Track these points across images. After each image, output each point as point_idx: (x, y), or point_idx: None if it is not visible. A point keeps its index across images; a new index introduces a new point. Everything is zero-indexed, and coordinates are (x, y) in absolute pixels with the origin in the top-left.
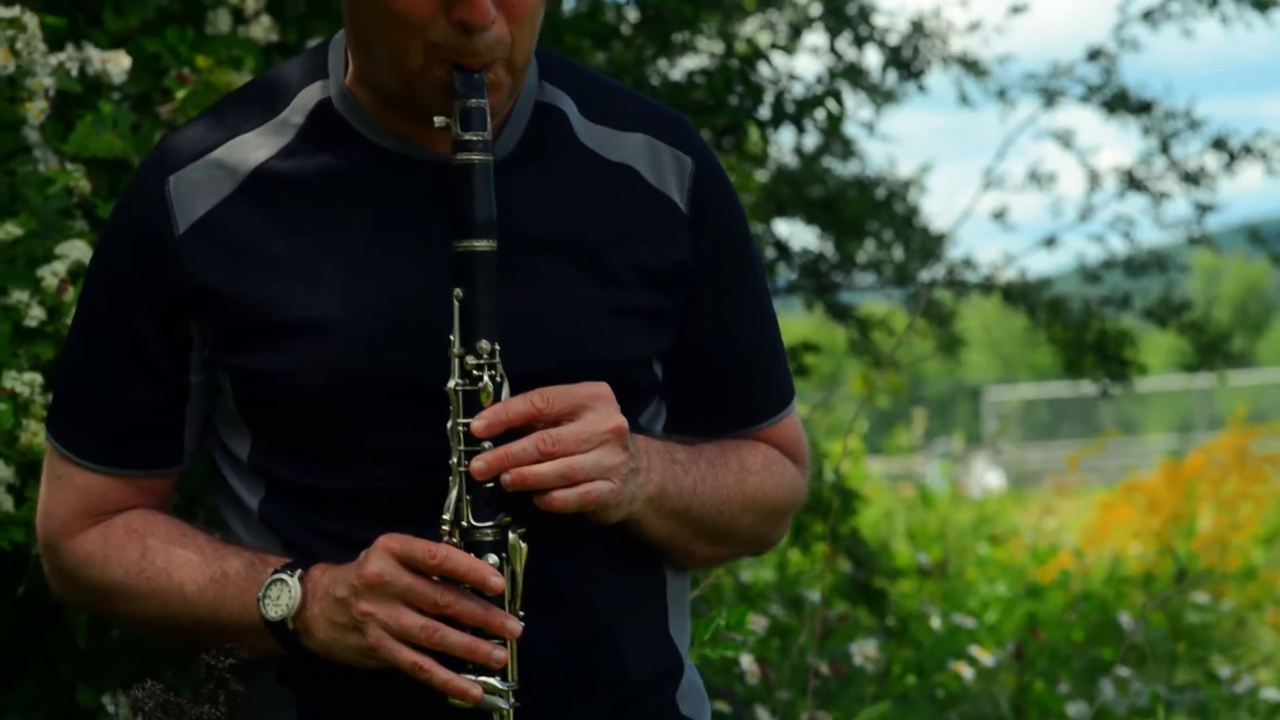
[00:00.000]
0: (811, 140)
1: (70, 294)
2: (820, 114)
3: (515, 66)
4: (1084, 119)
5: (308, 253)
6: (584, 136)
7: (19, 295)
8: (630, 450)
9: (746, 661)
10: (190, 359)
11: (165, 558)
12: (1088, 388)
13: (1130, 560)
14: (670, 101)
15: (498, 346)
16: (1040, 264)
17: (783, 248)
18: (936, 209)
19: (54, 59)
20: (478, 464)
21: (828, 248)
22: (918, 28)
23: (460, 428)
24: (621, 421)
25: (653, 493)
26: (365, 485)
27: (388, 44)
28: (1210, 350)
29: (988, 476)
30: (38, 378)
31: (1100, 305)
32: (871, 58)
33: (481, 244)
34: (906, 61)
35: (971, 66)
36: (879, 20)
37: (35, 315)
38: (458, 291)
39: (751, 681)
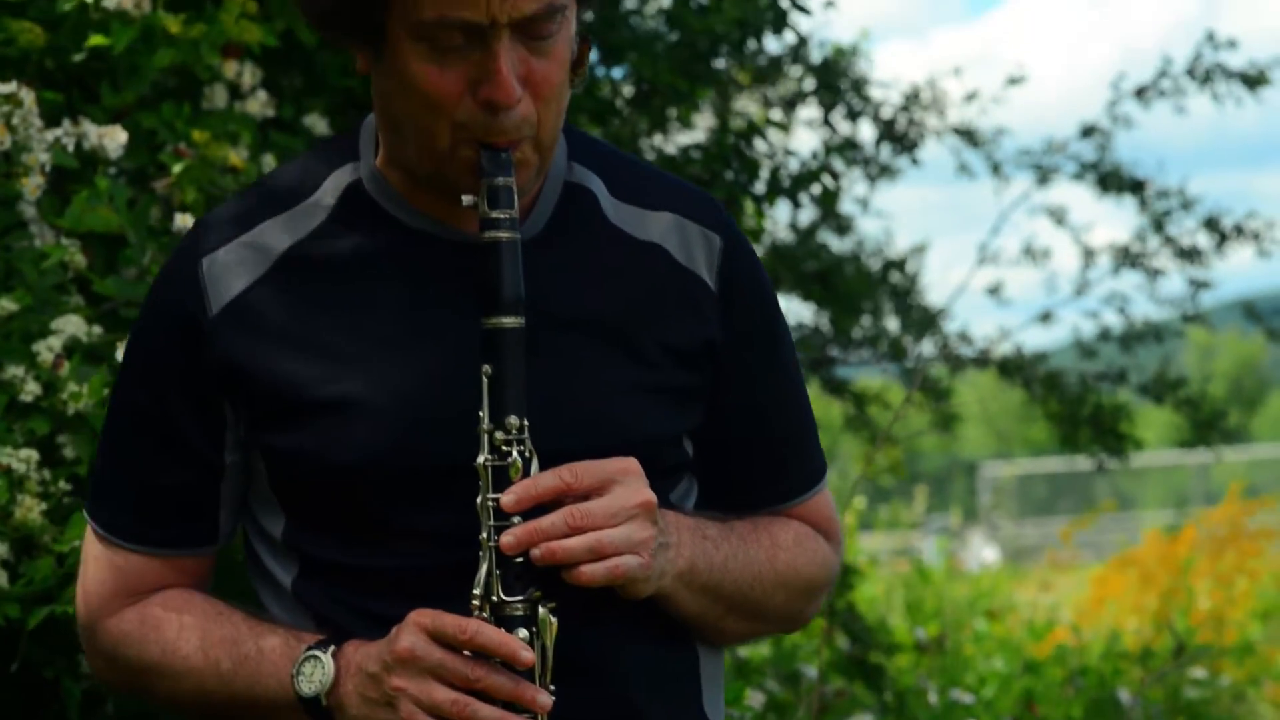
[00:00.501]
0: (807, 215)
1: (66, 369)
2: (816, 189)
3: (542, 145)
4: (1078, 194)
5: (339, 332)
6: (613, 216)
7: (14, 370)
8: (659, 525)
9: None
10: (225, 439)
11: (201, 636)
12: (1084, 463)
13: (1127, 635)
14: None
15: (526, 422)
16: (1036, 339)
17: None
18: (932, 283)
19: (50, 134)
20: (507, 539)
21: (824, 322)
22: (912, 100)
23: (490, 503)
24: (650, 496)
25: (683, 568)
26: (397, 563)
27: (416, 124)
28: (1206, 426)
29: (984, 552)
30: (33, 454)
31: (1096, 380)
32: (866, 131)
33: (510, 321)
34: (900, 135)
35: (968, 136)
36: (873, 93)
37: (30, 390)
38: (487, 368)
39: None
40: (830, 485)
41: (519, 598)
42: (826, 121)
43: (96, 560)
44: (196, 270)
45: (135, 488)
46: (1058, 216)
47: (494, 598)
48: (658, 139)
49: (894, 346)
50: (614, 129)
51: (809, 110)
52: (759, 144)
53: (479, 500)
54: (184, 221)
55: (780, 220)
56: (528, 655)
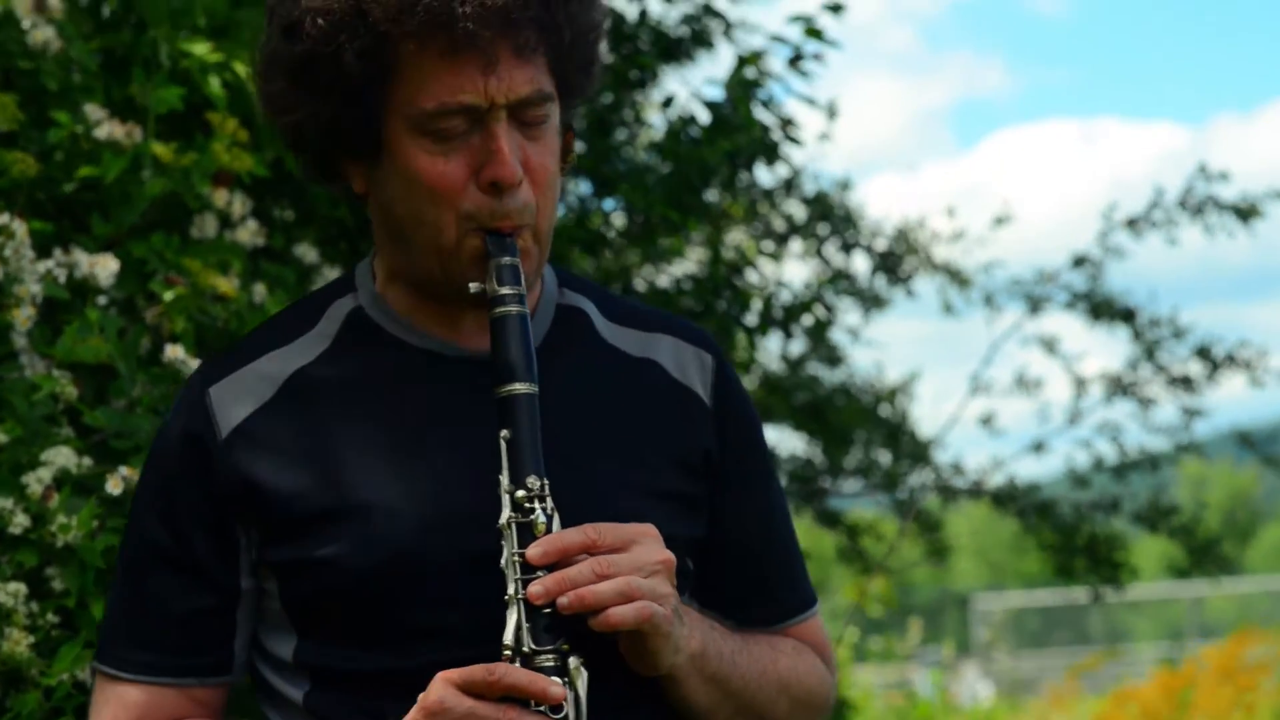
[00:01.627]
0: (798, 347)
1: (55, 500)
2: (808, 320)
3: (540, 234)
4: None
5: (346, 448)
6: (607, 335)
7: (3, 502)
8: (675, 583)
9: None
10: (240, 563)
11: None
12: (1078, 594)
13: None
14: (656, 307)
15: (546, 481)
16: (1029, 469)
17: (770, 454)
18: (924, 414)
19: (42, 265)
20: (535, 588)
21: (816, 454)
22: (903, 236)
23: (515, 558)
24: (670, 556)
25: (695, 649)
26: (413, 664)
27: (422, 221)
28: (1201, 554)
29: (978, 686)
30: (21, 587)
31: (1090, 509)
32: (859, 263)
33: (523, 387)
34: (893, 267)
35: (955, 276)
36: (865, 226)
37: (19, 523)
38: (504, 432)
39: None
40: (822, 617)
41: (549, 648)
42: (819, 254)
43: (107, 704)
44: (204, 399)
45: (152, 619)
46: (1050, 346)
47: (525, 649)
48: (648, 270)
49: (887, 477)
50: (606, 261)
51: (800, 242)
52: (751, 275)
53: (504, 557)
54: (174, 352)
55: (771, 351)
56: (558, 690)
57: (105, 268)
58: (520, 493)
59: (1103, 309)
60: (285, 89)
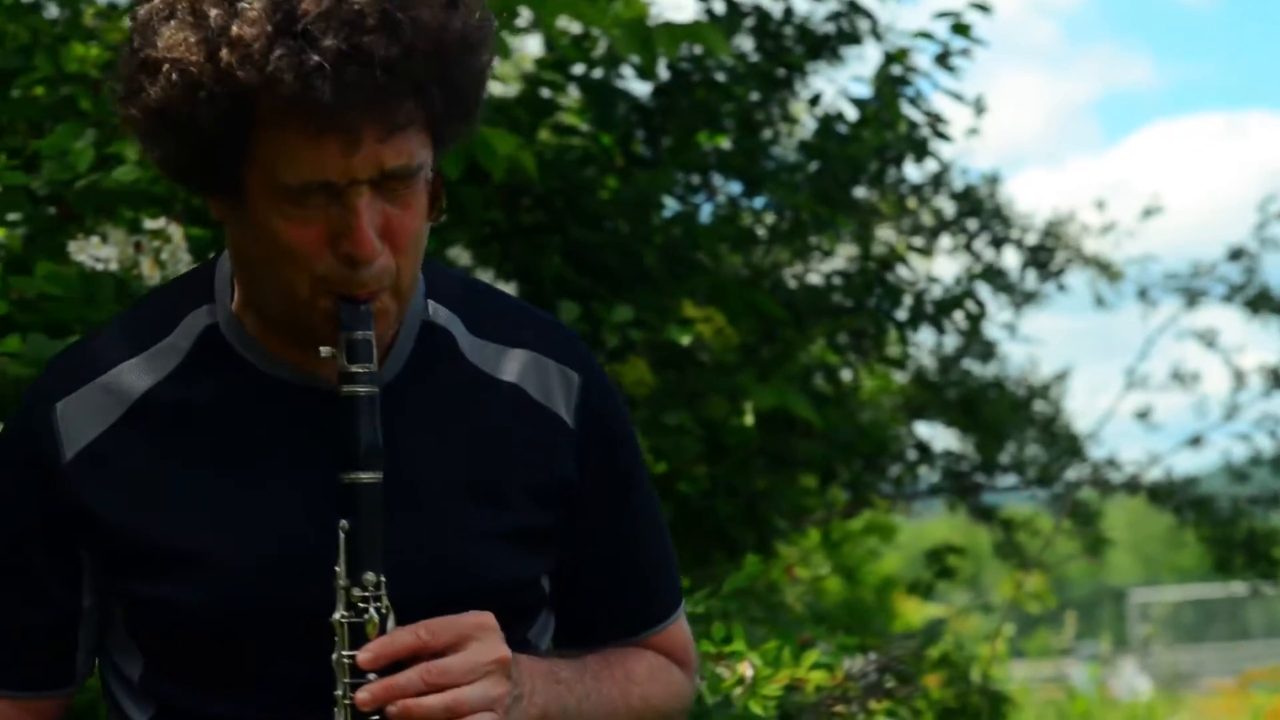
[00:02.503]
0: (950, 343)
1: None
2: (959, 315)
3: (401, 292)
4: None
5: (193, 483)
6: (471, 354)
7: None
8: (514, 677)
9: None
10: (82, 583)
11: None
12: (1236, 588)
13: None
14: (807, 305)
15: (383, 579)
16: (1185, 463)
17: (924, 450)
18: (1078, 409)
19: None
20: (363, 695)
21: (969, 449)
22: (1053, 230)
23: (345, 660)
24: (506, 653)
25: (535, 716)
26: (254, 714)
27: (274, 274)
28: None
29: (1135, 681)
30: None
31: (1248, 504)
32: (1009, 258)
33: (367, 476)
34: (1044, 261)
35: (1105, 269)
36: (1015, 221)
37: None
38: (344, 523)
39: None
40: (978, 613)
41: None
42: (970, 248)
43: None
44: (50, 415)
45: None
46: (1207, 339)
47: None
48: (798, 268)
49: (1042, 472)
50: (756, 259)
51: (948, 238)
52: (901, 271)
53: (334, 657)
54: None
55: (924, 347)
56: None
57: None
58: (356, 590)
59: (1260, 301)
60: (140, 122)
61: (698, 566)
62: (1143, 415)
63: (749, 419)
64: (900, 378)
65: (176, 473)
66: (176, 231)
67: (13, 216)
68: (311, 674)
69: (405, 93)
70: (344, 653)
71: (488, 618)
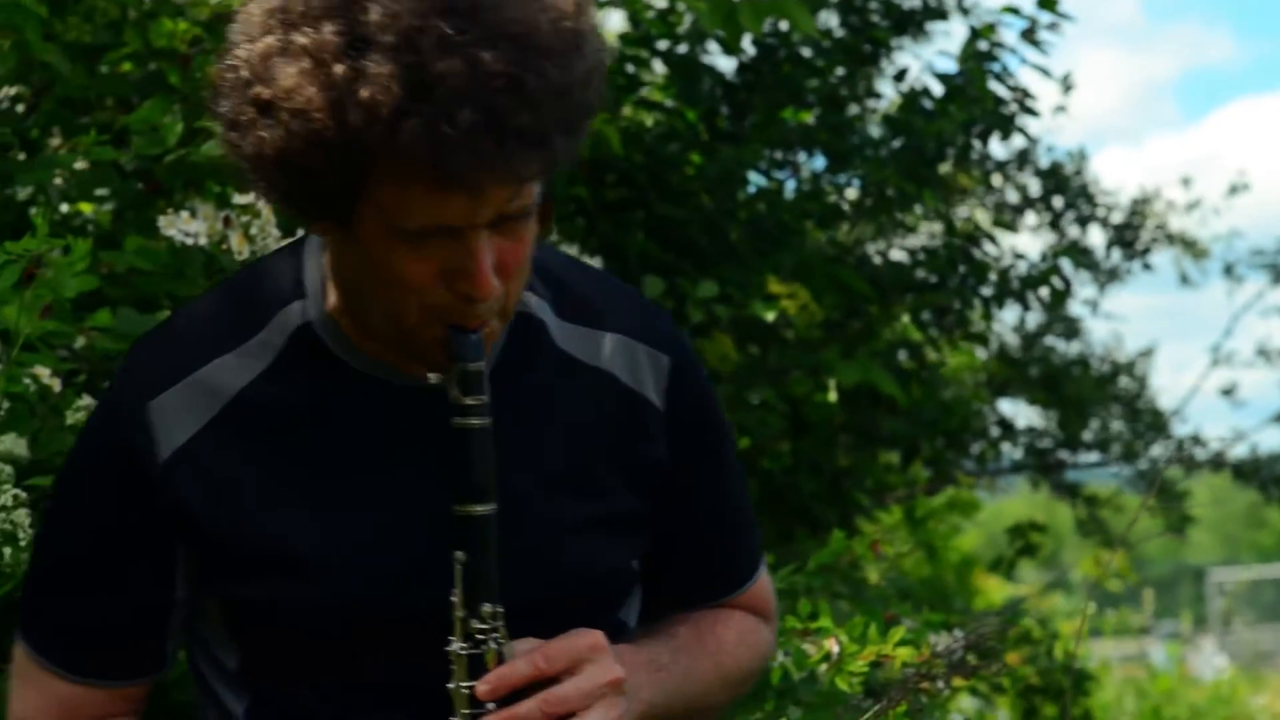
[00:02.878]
0: (1034, 320)
1: None
2: (1044, 291)
3: (507, 314)
4: None
5: (290, 484)
6: (561, 341)
7: None
8: (626, 692)
9: None
10: (176, 578)
11: None
12: None
13: None
14: (891, 281)
15: (501, 609)
16: (1271, 440)
17: (1007, 426)
18: (1162, 387)
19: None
20: None
21: (1052, 426)
22: (1139, 207)
23: (463, 690)
24: (619, 673)
25: (641, 711)
26: (349, 708)
27: (382, 299)
28: None
29: (1215, 659)
30: None
31: None
32: (1095, 236)
33: (481, 509)
34: (1130, 239)
35: (1191, 247)
36: (1101, 199)
37: None
38: (459, 555)
39: None
40: (1058, 593)
41: None
42: (1055, 225)
43: (36, 687)
44: (145, 413)
45: (82, 622)
46: None
47: None
48: (881, 244)
49: (1127, 449)
50: (840, 234)
51: (1033, 215)
52: (987, 247)
53: (451, 686)
54: None
55: (1007, 324)
56: None
57: None
58: (474, 622)
59: None
60: (250, 159)
61: (781, 543)
62: (1228, 392)
63: (832, 395)
64: (983, 354)
65: (273, 474)
66: (266, 206)
67: (101, 192)
68: (408, 673)
69: (534, 151)
70: (462, 683)
71: (599, 638)
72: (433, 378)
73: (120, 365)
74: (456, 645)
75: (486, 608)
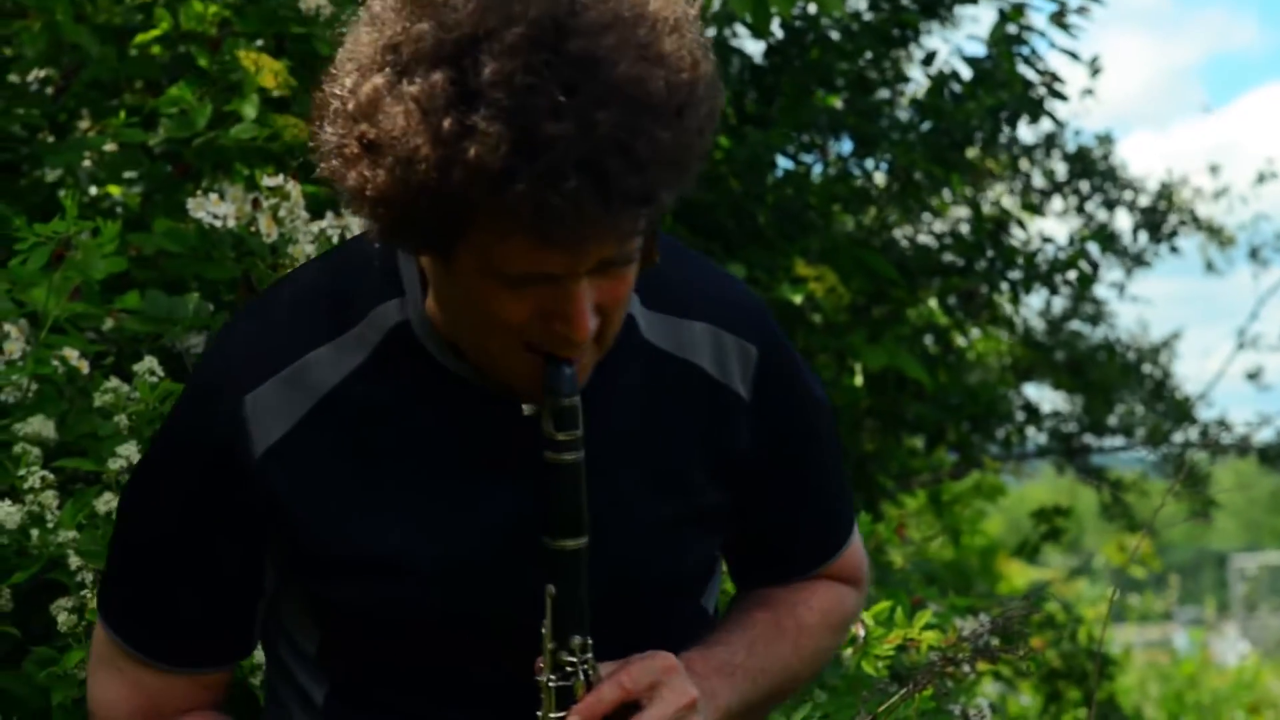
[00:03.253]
0: (1059, 304)
1: None
2: (1072, 274)
3: (605, 344)
4: None
5: (383, 483)
6: (649, 333)
7: None
8: (701, 708)
9: None
10: (264, 569)
11: None
12: None
13: None
14: (918, 265)
15: (590, 641)
16: None
17: (1032, 411)
18: (1188, 372)
19: (314, 226)
20: None
21: (1076, 410)
22: (1165, 193)
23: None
24: (693, 694)
25: (721, 710)
26: (429, 703)
27: (476, 329)
28: None
29: (1239, 645)
30: None
31: None
32: (1121, 220)
33: (572, 544)
34: (1157, 224)
35: (1217, 233)
36: (1128, 183)
37: None
38: (550, 588)
39: None
40: (1082, 579)
41: None
42: (1081, 209)
43: (118, 672)
44: (239, 408)
45: (168, 613)
46: None
47: None
48: (908, 229)
49: (1153, 433)
50: (868, 218)
51: (1060, 200)
52: (1015, 232)
53: (539, 715)
54: None
55: (1032, 308)
56: None
57: None
58: (563, 654)
59: None
60: (352, 193)
61: None
62: (1253, 376)
63: (858, 379)
64: (1006, 338)
65: (364, 472)
66: (295, 189)
67: (130, 174)
68: (492, 673)
69: (640, 209)
70: (552, 714)
71: (671, 660)
72: (527, 409)
73: (212, 349)
74: (545, 678)
75: (576, 640)
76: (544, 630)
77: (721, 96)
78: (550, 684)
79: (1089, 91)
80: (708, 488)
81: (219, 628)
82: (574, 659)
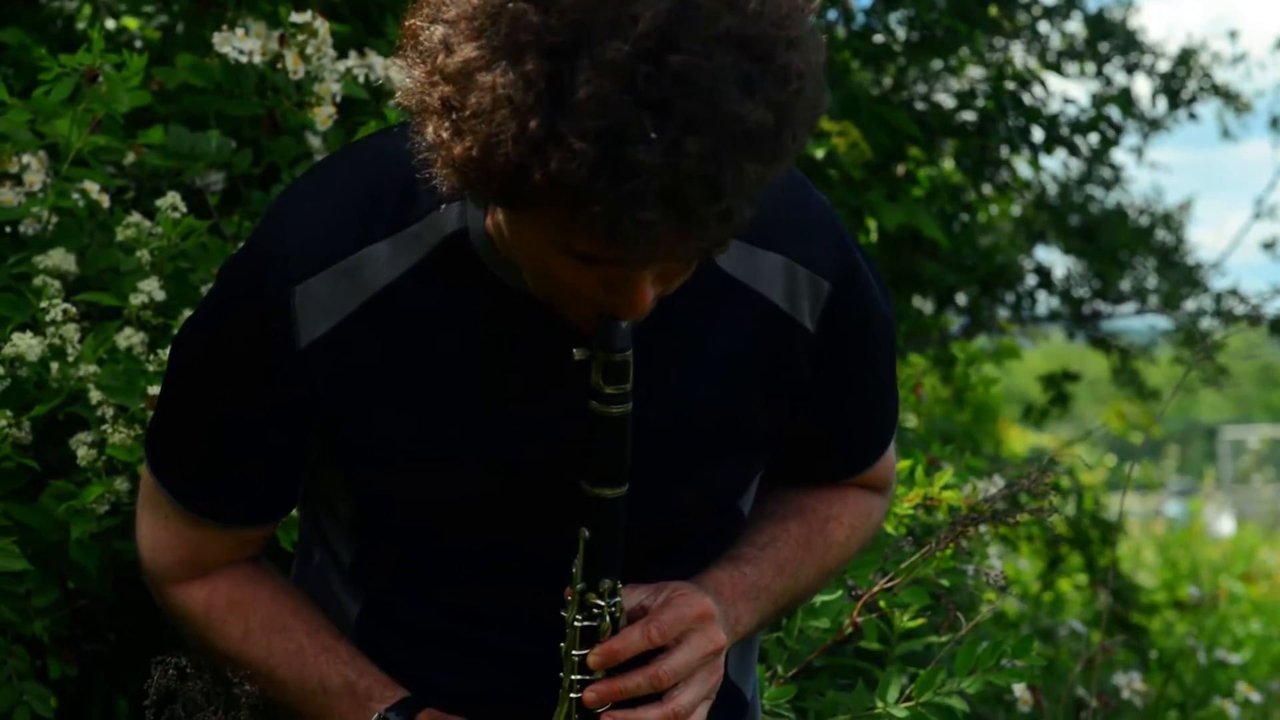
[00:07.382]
0: (1074, 167)
1: None
2: (1094, 137)
3: (666, 293)
4: None
5: (427, 385)
6: (722, 259)
7: None
8: (724, 644)
9: (1019, 690)
10: (309, 441)
11: (267, 647)
12: None
13: None
14: (936, 125)
15: (620, 584)
16: None
17: (1044, 274)
18: (1202, 242)
19: (341, 65)
20: (590, 695)
21: (1088, 275)
22: (1185, 58)
23: (575, 657)
24: (723, 639)
25: (741, 634)
26: (463, 626)
27: (534, 271)
28: None
29: (1226, 516)
30: None
31: None
32: (1140, 85)
33: (611, 492)
34: (1176, 89)
35: (1233, 100)
36: (1148, 48)
37: None
38: (584, 531)
39: (1024, 709)
40: (1080, 446)
41: None
42: (1100, 72)
43: (165, 520)
44: (288, 297)
45: (210, 470)
46: None
47: None
48: (923, 87)
49: (1167, 298)
50: (887, 74)
51: (1076, 64)
52: (1036, 91)
53: (563, 647)
54: None
55: (1046, 171)
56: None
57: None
58: (591, 595)
59: None
60: (422, 131)
61: None
62: (1269, 246)
63: (873, 237)
64: (1022, 203)
65: (410, 374)
66: (323, 26)
67: (149, 8)
68: (528, 579)
69: (716, 232)
70: (574, 651)
71: (707, 606)
72: (577, 353)
73: (277, 211)
74: (573, 617)
75: (605, 584)
76: (574, 570)
77: (826, 100)
78: (576, 623)
79: None
80: (765, 417)
81: (261, 489)
82: (601, 602)
